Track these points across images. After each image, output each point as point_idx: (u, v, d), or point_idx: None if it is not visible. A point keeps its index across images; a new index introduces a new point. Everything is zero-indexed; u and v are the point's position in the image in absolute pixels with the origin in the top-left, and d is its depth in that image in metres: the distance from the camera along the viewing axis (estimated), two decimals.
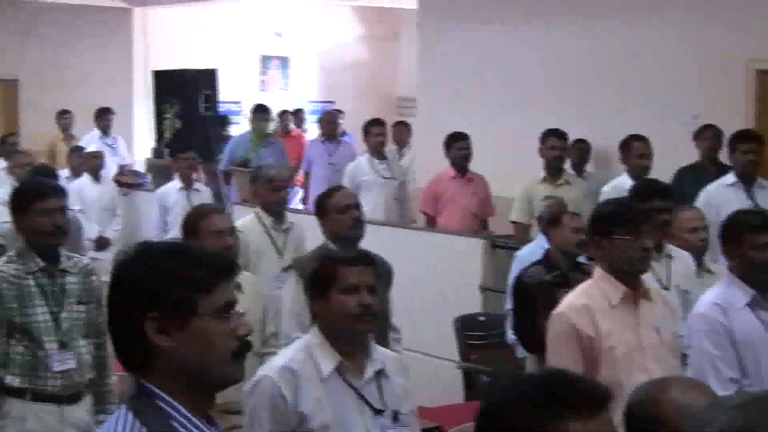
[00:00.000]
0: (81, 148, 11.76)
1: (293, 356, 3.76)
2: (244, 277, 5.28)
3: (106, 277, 7.49)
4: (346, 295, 3.73)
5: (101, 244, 10.61)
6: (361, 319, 3.73)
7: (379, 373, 3.80)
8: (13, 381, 4.74)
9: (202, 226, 5.13)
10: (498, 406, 1.95)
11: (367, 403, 3.73)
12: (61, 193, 4.97)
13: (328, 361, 3.72)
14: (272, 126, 11.57)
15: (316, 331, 3.81)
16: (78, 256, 5.16)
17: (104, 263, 10.43)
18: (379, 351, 3.88)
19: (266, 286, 6.08)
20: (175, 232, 9.76)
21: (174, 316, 2.25)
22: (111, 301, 2.34)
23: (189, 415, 2.24)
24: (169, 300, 2.26)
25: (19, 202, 4.89)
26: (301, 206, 12.16)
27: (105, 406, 5.02)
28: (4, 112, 17.67)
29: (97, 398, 5.00)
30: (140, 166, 13.02)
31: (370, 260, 3.85)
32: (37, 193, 4.85)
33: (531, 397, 1.92)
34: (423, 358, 7.68)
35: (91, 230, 10.36)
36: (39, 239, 4.81)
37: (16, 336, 4.74)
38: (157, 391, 2.25)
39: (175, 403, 2.24)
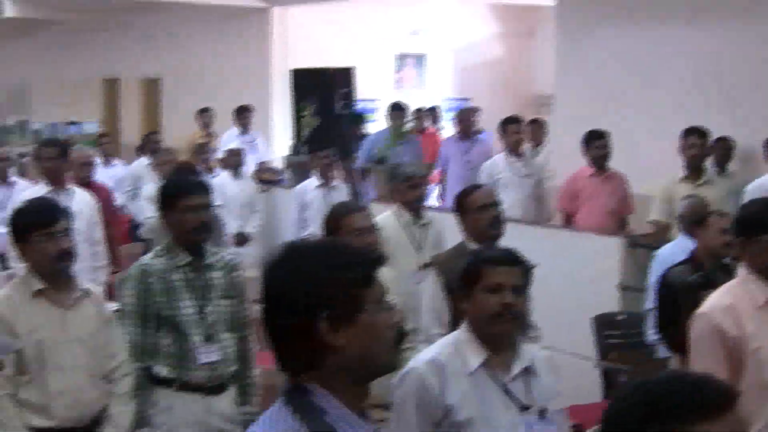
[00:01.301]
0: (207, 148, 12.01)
1: (441, 350, 3.79)
2: (383, 273, 5.33)
3: (247, 273, 7.60)
4: (489, 294, 3.74)
5: (241, 240, 10.80)
6: (502, 319, 3.74)
7: (527, 371, 3.80)
8: (161, 371, 4.89)
9: (343, 225, 5.18)
10: (623, 409, 1.93)
11: (514, 399, 3.74)
12: (206, 189, 5.08)
13: (475, 357, 3.74)
14: (408, 124, 11.60)
15: (465, 327, 3.84)
16: (223, 251, 5.27)
17: (244, 258, 10.66)
18: (527, 349, 3.87)
19: (405, 283, 6.12)
20: (312, 229, 9.91)
21: (344, 313, 2.26)
22: (271, 307, 2.32)
23: (345, 410, 2.26)
24: (338, 299, 2.25)
25: (166, 199, 5.01)
26: (436, 203, 12.22)
27: (248, 398, 5.15)
28: (146, 110, 18.16)
29: (241, 390, 5.13)
30: (278, 164, 13.20)
31: (516, 260, 3.84)
32: (184, 190, 4.97)
33: (655, 399, 1.89)
34: (561, 356, 7.63)
35: (231, 226, 10.57)
36: (185, 235, 4.93)
37: (164, 328, 4.89)
38: (314, 388, 2.27)
39: (332, 399, 2.26)
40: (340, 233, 5.19)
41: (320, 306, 2.25)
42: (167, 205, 4.98)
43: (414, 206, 7.03)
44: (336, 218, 5.27)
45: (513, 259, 3.83)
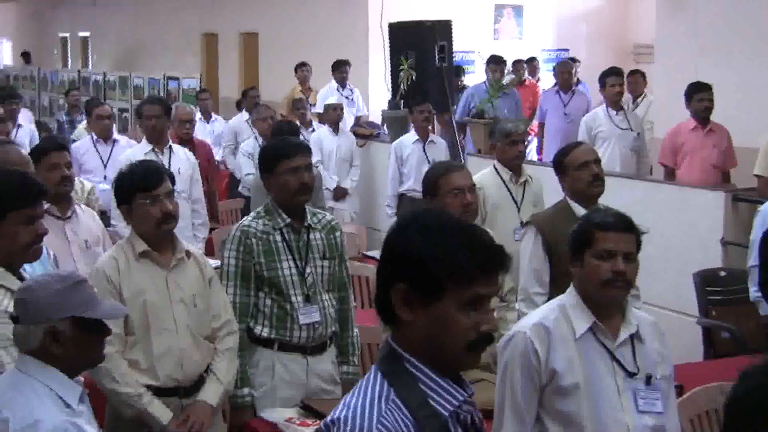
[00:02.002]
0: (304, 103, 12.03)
1: (547, 314, 3.78)
2: None
3: (345, 228, 7.64)
4: (600, 260, 3.72)
5: (339, 194, 10.86)
6: (613, 285, 3.72)
7: (634, 337, 3.77)
8: (262, 332, 4.95)
9: (442, 184, 5.17)
10: (753, 395, 1.89)
11: (620, 365, 3.72)
12: (307, 151, 5.09)
13: (582, 322, 3.73)
14: (507, 77, 11.51)
15: (573, 291, 3.82)
16: (322, 212, 5.30)
17: (343, 213, 10.73)
18: (635, 314, 3.84)
19: (504, 240, 6.07)
20: (410, 184, 9.92)
21: (420, 293, 2.27)
22: (380, 258, 2.38)
23: (436, 376, 2.27)
24: (420, 277, 2.26)
25: (266, 162, 5.03)
26: (536, 156, 12.14)
27: (348, 357, 5.18)
28: (245, 65, 18.28)
29: (341, 350, 5.17)
30: (376, 118, 13.21)
31: (630, 226, 3.79)
32: (284, 152, 4.99)
33: None
34: (661, 312, 7.56)
35: (329, 181, 10.62)
36: (286, 197, 4.96)
37: (265, 289, 4.93)
38: (404, 353, 2.29)
39: (421, 365, 2.28)
40: (439, 192, 5.18)
41: (401, 275, 2.28)
42: (268, 168, 5.01)
43: (513, 163, 6.98)
44: (435, 177, 5.25)
45: (627, 225, 3.78)
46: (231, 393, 4.81)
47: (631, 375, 3.72)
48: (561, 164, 5.65)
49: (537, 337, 3.69)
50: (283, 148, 5.06)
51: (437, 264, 2.26)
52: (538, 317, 3.79)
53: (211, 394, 4.62)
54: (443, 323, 2.27)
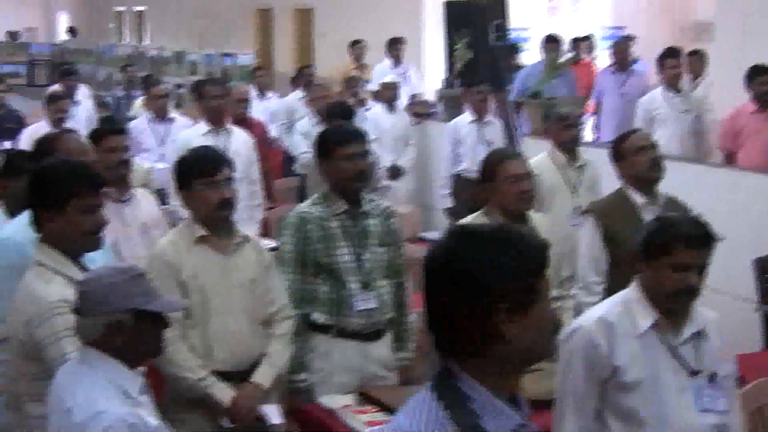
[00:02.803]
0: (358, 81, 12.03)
1: (610, 309, 3.76)
2: (538, 219, 5.31)
3: (400, 208, 7.65)
4: (674, 272, 3.66)
5: (394, 173, 10.85)
6: (681, 296, 3.68)
7: (698, 334, 3.74)
8: (319, 318, 4.97)
9: (498, 172, 5.14)
10: None
11: (683, 363, 3.69)
12: (363, 137, 5.10)
13: (645, 318, 3.70)
14: (564, 56, 11.43)
15: (637, 286, 3.78)
16: (378, 198, 5.30)
17: (398, 192, 10.73)
18: (699, 312, 3.80)
19: (560, 225, 6.06)
20: (465, 165, 9.89)
21: (521, 304, 2.21)
22: (442, 288, 2.24)
23: (492, 398, 2.23)
24: (518, 289, 2.21)
25: (323, 148, 5.05)
26: (591, 136, 12.04)
27: (404, 344, 5.21)
28: (299, 40, 18.28)
29: (397, 336, 5.19)
30: (430, 96, 13.17)
31: (709, 241, 3.70)
32: (341, 139, 5.00)
33: None
34: (715, 296, 7.48)
35: (384, 160, 10.61)
36: (342, 183, 4.98)
37: (322, 275, 4.96)
38: (462, 374, 2.24)
39: (480, 387, 2.23)
40: (496, 179, 5.16)
41: (501, 295, 2.20)
42: (324, 154, 5.02)
43: (569, 147, 6.95)
44: (492, 165, 5.23)
45: (706, 241, 3.69)
46: (285, 377, 4.84)
47: (693, 373, 3.69)
48: (618, 151, 5.61)
49: (600, 332, 3.67)
50: (340, 134, 5.07)
51: (526, 268, 2.22)
52: (602, 312, 3.77)
53: (263, 375, 4.65)
54: (541, 321, 2.25)
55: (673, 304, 3.71)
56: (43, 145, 4.91)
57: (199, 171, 4.60)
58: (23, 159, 5.31)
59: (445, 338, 2.26)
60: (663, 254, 3.68)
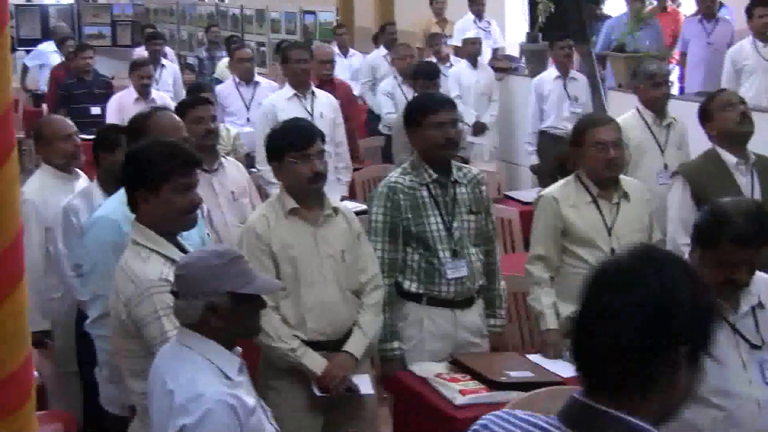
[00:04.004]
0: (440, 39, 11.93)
1: None
2: (629, 184, 5.26)
3: (484, 165, 7.65)
4: (720, 267, 3.57)
5: (479, 129, 10.81)
6: (728, 284, 3.60)
7: (756, 307, 3.69)
8: (411, 286, 5.00)
9: (587, 136, 5.10)
10: None
11: (743, 337, 3.64)
12: (452, 106, 5.10)
13: None
14: (649, 6, 11.22)
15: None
16: (467, 166, 5.30)
17: (482, 148, 10.70)
18: (756, 281, 3.71)
19: (648, 183, 6.01)
20: (551, 121, 9.84)
21: (696, 353, 2.03)
22: (613, 319, 2.01)
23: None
24: (700, 335, 2.02)
25: (412, 116, 5.05)
26: (677, 85, 11.84)
27: (495, 311, 5.22)
28: None
29: (488, 303, 5.20)
30: (513, 50, 13.05)
31: (761, 239, 3.58)
32: (430, 107, 4.99)
33: None
34: None
35: (468, 116, 10.57)
36: (432, 152, 4.98)
37: (413, 244, 4.98)
38: (630, 417, 2.00)
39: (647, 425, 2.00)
40: (584, 144, 5.12)
41: (684, 338, 1.99)
42: (413, 122, 5.03)
43: (657, 105, 6.86)
44: (581, 130, 5.18)
45: (757, 238, 3.56)
46: (376, 346, 4.89)
47: (755, 347, 3.64)
48: (705, 111, 5.57)
49: None
50: (428, 103, 5.07)
51: (712, 315, 2.05)
52: None
53: (355, 345, 4.69)
54: (700, 377, 2.07)
55: (719, 295, 3.54)
56: (136, 124, 4.97)
57: (291, 144, 4.63)
58: (117, 134, 5.41)
59: (604, 373, 2.03)
60: (709, 248, 3.57)
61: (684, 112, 6.92)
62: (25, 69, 15.76)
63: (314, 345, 4.63)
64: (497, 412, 2.23)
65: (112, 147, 5.30)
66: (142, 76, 9.78)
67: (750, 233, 3.55)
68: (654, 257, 2.05)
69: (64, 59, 13.52)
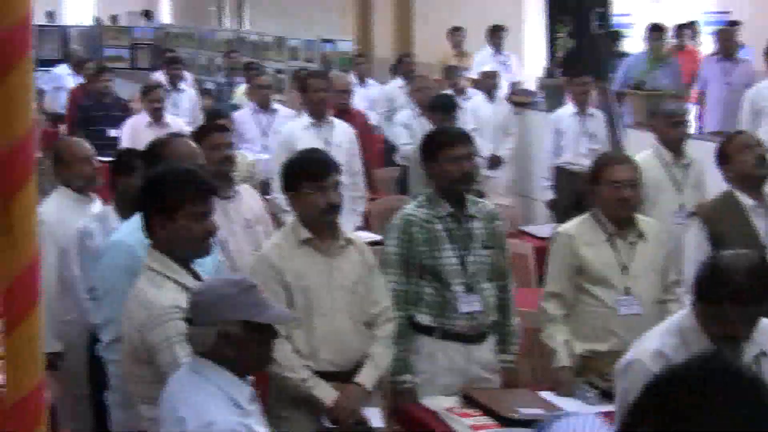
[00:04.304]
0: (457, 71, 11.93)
1: (666, 341, 3.66)
2: (646, 223, 5.24)
3: (500, 199, 7.64)
4: (719, 320, 3.56)
5: (494, 163, 10.81)
6: (726, 340, 3.57)
7: (760, 356, 3.67)
8: (424, 319, 4.99)
9: (603, 175, 5.08)
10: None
11: None
12: (469, 140, 5.10)
13: (702, 347, 3.57)
14: (668, 44, 11.24)
15: (689, 315, 3.70)
16: (483, 201, 5.29)
17: (497, 182, 10.69)
18: (760, 329, 3.68)
19: (664, 222, 6.00)
20: (567, 157, 9.81)
21: None
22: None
23: None
24: None
25: (428, 150, 5.06)
26: (694, 124, 11.83)
27: (508, 346, 5.20)
28: (398, 25, 18.24)
29: (500, 339, 5.18)
30: (531, 84, 13.07)
31: (763, 297, 3.57)
32: (446, 141, 5.01)
33: None
34: None
35: (484, 149, 10.56)
36: (448, 185, 4.98)
37: (426, 277, 4.97)
38: None
39: None
40: (600, 182, 5.11)
41: None
42: (430, 156, 5.04)
43: (675, 144, 6.85)
44: (598, 167, 5.18)
45: (758, 296, 3.54)
46: (387, 378, 4.87)
47: None
48: (723, 152, 5.58)
49: (656, 367, 3.56)
50: (445, 136, 5.08)
51: None
52: (657, 344, 3.67)
53: (366, 377, 4.67)
54: None
55: (719, 346, 3.56)
56: (154, 149, 4.98)
57: (308, 175, 4.63)
58: (134, 157, 5.41)
59: None
60: (710, 304, 3.56)
61: (701, 152, 6.91)
62: (41, 92, 15.83)
63: (325, 375, 4.61)
64: None
65: (130, 171, 5.30)
66: (152, 100, 9.77)
67: (750, 292, 3.53)
68: (714, 378, 2.01)
69: (82, 80, 13.58)
